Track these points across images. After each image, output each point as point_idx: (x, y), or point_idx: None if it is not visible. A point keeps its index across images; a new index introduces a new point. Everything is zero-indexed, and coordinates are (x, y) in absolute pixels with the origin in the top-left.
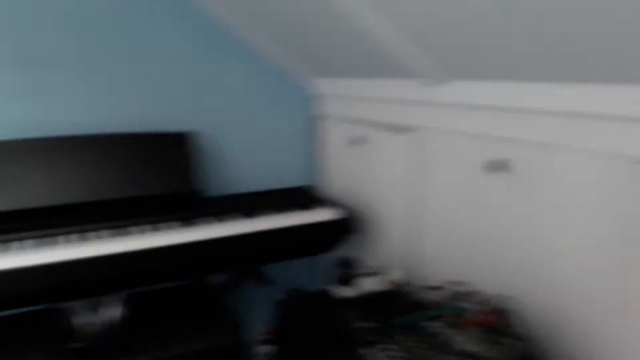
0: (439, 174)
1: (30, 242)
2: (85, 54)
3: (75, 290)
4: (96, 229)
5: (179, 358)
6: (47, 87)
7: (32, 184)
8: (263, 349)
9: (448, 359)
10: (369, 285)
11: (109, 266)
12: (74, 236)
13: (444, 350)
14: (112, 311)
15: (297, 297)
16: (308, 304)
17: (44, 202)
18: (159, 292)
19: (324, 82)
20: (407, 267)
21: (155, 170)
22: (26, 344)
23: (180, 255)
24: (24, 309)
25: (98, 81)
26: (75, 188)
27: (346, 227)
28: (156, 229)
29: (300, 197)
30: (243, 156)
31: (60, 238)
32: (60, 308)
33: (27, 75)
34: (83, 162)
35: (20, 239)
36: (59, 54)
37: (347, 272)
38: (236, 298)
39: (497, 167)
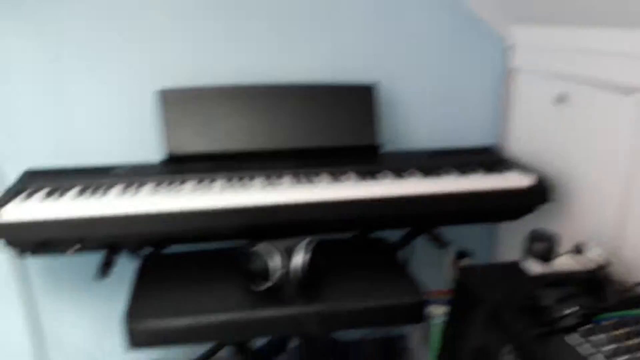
0: None
1: (224, 183)
2: (274, 3)
3: (260, 232)
4: (281, 176)
5: (354, 312)
6: (238, 35)
7: (225, 129)
8: (435, 310)
9: None
10: (565, 263)
11: (292, 213)
12: (261, 181)
13: None
14: (296, 256)
15: (481, 266)
16: (494, 274)
17: (236, 147)
18: (336, 242)
19: (521, 30)
20: (609, 248)
21: (339, 122)
22: (219, 277)
23: (359, 209)
24: (217, 246)
25: (284, 30)
26: (264, 135)
27: (538, 195)
28: (338, 181)
29: (486, 158)
30: (425, 110)
31: (251, 182)
32: (251, 249)
33: (218, 24)
34: (271, 110)
35: (215, 180)
36: (250, 2)
37: (541, 246)
38: (409, 256)
39: None
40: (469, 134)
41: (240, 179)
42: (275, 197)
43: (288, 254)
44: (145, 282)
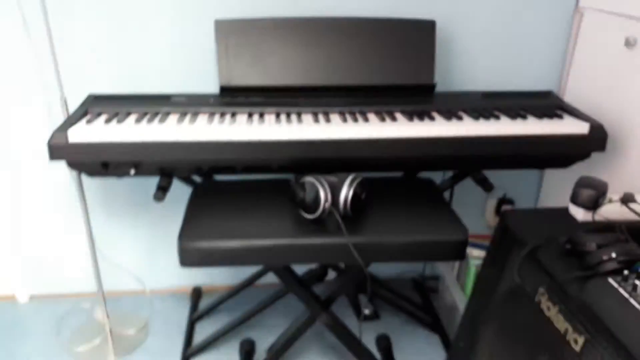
0: None
1: (272, 118)
2: None
3: (307, 166)
4: (331, 112)
5: (395, 245)
6: None
7: (278, 63)
8: (472, 252)
9: None
10: (612, 211)
11: (339, 149)
12: (310, 118)
13: None
14: (343, 190)
15: (524, 210)
16: (538, 219)
17: (287, 81)
18: (382, 180)
19: None
20: None
21: (395, 59)
22: (268, 205)
23: (407, 149)
24: (267, 177)
25: None
26: (316, 70)
27: (593, 143)
28: (387, 119)
29: (543, 102)
30: (482, 51)
31: (299, 118)
32: (301, 180)
33: None
34: (325, 45)
35: (264, 114)
36: None
37: (589, 193)
38: (452, 196)
39: None
40: (528, 78)
41: (289, 114)
42: (323, 133)
43: (335, 187)
44: (198, 206)
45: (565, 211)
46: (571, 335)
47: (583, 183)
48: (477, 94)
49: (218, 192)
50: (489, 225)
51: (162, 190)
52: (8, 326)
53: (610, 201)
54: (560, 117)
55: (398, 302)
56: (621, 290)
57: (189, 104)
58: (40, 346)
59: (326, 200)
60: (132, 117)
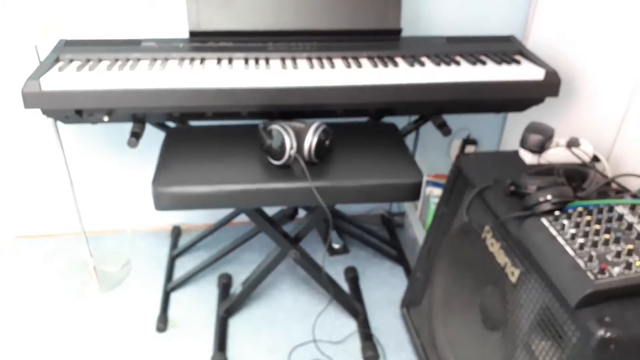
0: None
1: (241, 64)
2: None
3: (275, 112)
4: (298, 58)
5: (357, 188)
6: None
7: (246, 6)
8: (434, 191)
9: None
10: (556, 155)
11: (306, 96)
12: (278, 64)
13: (628, 237)
14: (307, 137)
15: (477, 154)
16: (490, 161)
17: (256, 26)
18: (347, 126)
19: None
20: (602, 145)
21: (362, 3)
22: (238, 151)
23: (372, 95)
24: (238, 122)
25: None
26: (284, 15)
27: (547, 89)
28: (353, 66)
29: (504, 48)
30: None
31: (267, 64)
32: (268, 128)
33: None
34: None
35: (233, 59)
36: None
37: (536, 138)
38: (414, 140)
39: None
40: (493, 23)
41: (257, 60)
42: (290, 81)
43: (300, 134)
44: (171, 152)
45: (515, 154)
46: (509, 269)
47: (531, 128)
48: (441, 39)
49: (190, 138)
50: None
51: (135, 137)
52: None
53: (557, 145)
54: (518, 62)
55: (366, 237)
56: (551, 229)
57: (159, 50)
58: (26, 284)
59: (291, 147)
60: (104, 64)
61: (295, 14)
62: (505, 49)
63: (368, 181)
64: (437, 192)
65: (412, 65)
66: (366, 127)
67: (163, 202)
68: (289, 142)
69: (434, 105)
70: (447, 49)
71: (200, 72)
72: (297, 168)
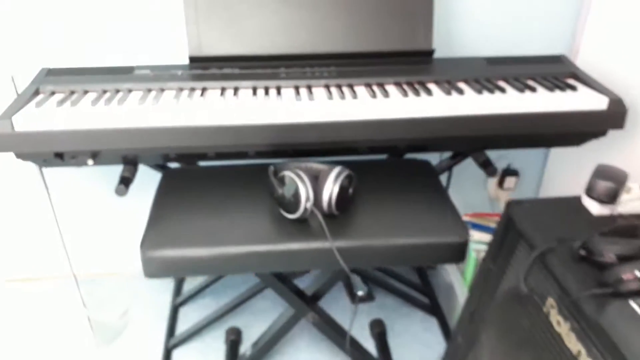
0: None
1: (248, 95)
2: None
3: (287, 151)
4: (314, 86)
5: (388, 249)
6: None
7: (254, 27)
8: (474, 235)
9: None
10: (630, 205)
11: (324, 132)
12: (290, 93)
13: None
14: (329, 186)
15: (532, 201)
16: (548, 210)
17: (265, 49)
18: (370, 164)
19: None
20: None
21: (387, 21)
22: (244, 199)
23: (402, 130)
24: (245, 162)
25: None
26: (298, 36)
27: (610, 120)
28: (384, 94)
29: (554, 70)
30: (483, 9)
31: (283, 92)
32: (280, 174)
33: None
34: (310, 5)
35: (239, 89)
36: None
37: (607, 185)
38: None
39: None
40: (536, 39)
41: (267, 89)
42: (306, 115)
43: (318, 183)
44: (165, 201)
45: (577, 202)
46: (585, 359)
47: (600, 174)
48: (480, 60)
49: (189, 182)
50: (491, 199)
51: (124, 183)
52: None
53: (629, 192)
54: (573, 88)
55: (393, 283)
56: None
57: (153, 79)
58: (15, 333)
59: (307, 199)
60: (89, 97)
61: (310, 35)
62: (556, 71)
63: (402, 240)
64: (478, 235)
65: (448, 93)
66: (394, 166)
67: (153, 269)
68: (305, 193)
69: (474, 140)
70: (487, 72)
71: (201, 106)
72: (315, 223)
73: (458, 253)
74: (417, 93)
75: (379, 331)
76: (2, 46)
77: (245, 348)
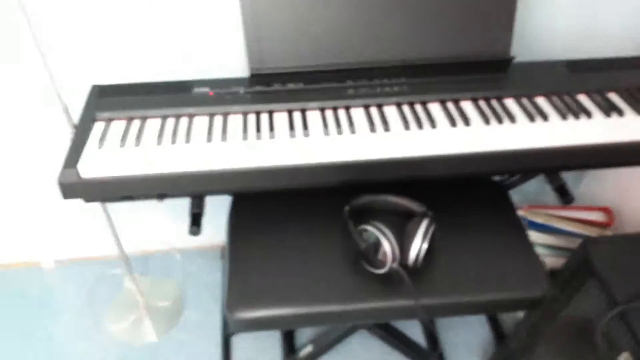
0: None
1: (320, 117)
2: None
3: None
4: (388, 104)
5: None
6: None
7: (318, 37)
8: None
9: None
10: None
11: (404, 168)
12: (363, 115)
13: None
14: (418, 243)
15: (617, 239)
16: (631, 249)
17: (332, 59)
18: (446, 191)
19: None
20: None
21: (460, 23)
22: (322, 243)
23: (486, 163)
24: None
25: None
26: (364, 45)
27: None
28: (463, 120)
29: (632, 81)
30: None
31: (354, 116)
32: (360, 227)
33: None
34: (376, 10)
35: (306, 110)
36: None
37: None
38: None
39: None
40: (619, 39)
41: (335, 110)
42: (380, 151)
43: (404, 239)
44: (242, 245)
45: None
46: None
47: None
48: (561, 65)
49: (261, 213)
50: None
51: (195, 222)
52: (36, 298)
53: None
54: None
55: None
56: None
57: (215, 100)
58: (72, 324)
59: (394, 259)
60: (151, 128)
61: (379, 42)
62: None
63: (484, 296)
64: (536, 236)
65: (531, 119)
66: (468, 191)
67: (240, 327)
68: (390, 252)
69: (555, 169)
70: (569, 82)
71: (271, 147)
72: (399, 278)
73: (537, 303)
74: (498, 118)
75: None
76: (51, 61)
77: (300, 340)
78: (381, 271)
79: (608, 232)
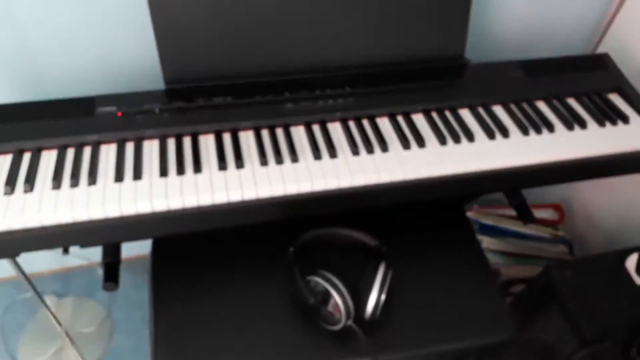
0: None
1: (254, 141)
2: None
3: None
4: (332, 120)
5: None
6: None
7: (248, 34)
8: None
9: None
10: None
11: (350, 200)
12: (305, 138)
13: None
14: (375, 295)
15: (579, 263)
16: (588, 274)
17: (267, 64)
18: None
19: None
20: None
21: (409, 18)
22: (261, 276)
23: (441, 189)
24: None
25: None
26: (304, 46)
27: None
28: (417, 139)
29: (594, 82)
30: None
31: (295, 138)
32: (306, 278)
33: None
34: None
35: (242, 129)
36: None
37: None
38: None
39: None
40: (565, 35)
41: (272, 129)
42: (326, 183)
43: (360, 289)
44: (167, 298)
45: (618, 264)
46: None
47: None
48: (515, 68)
49: (185, 259)
50: None
51: (111, 276)
52: None
53: None
54: (624, 119)
55: None
56: None
57: (126, 122)
58: None
59: (348, 316)
60: (47, 164)
61: (318, 42)
62: (599, 83)
63: (447, 346)
64: (488, 242)
65: (491, 136)
66: (424, 218)
67: None
68: (344, 307)
69: (514, 186)
70: (526, 88)
71: (196, 182)
72: (353, 334)
73: (505, 346)
74: (455, 137)
75: None
76: None
77: None
78: (334, 328)
79: (561, 233)
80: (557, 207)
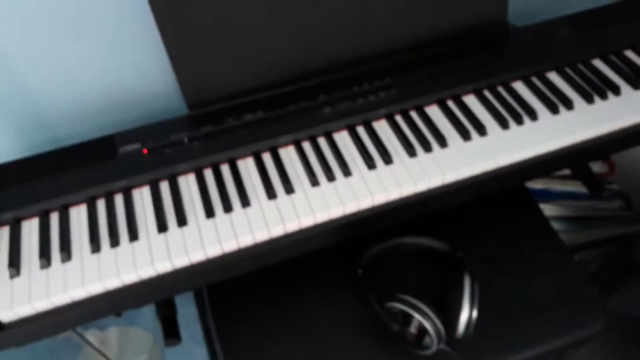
0: None
1: (300, 162)
2: None
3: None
4: (378, 118)
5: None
6: None
7: (269, 34)
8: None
9: None
10: None
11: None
12: (349, 142)
13: None
14: (465, 313)
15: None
16: None
17: (293, 65)
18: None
19: None
20: None
21: None
22: (330, 309)
23: (510, 178)
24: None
25: None
26: (332, 37)
27: None
28: (478, 130)
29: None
30: None
31: (341, 148)
32: (388, 305)
33: None
34: None
35: (281, 146)
36: None
37: None
38: None
39: None
40: None
41: (314, 140)
42: (383, 196)
43: (448, 309)
44: (231, 343)
45: None
46: None
47: None
48: (561, 24)
49: (245, 302)
50: None
51: (171, 327)
52: None
53: None
54: None
55: None
56: None
57: (153, 159)
58: None
59: (440, 340)
60: (79, 224)
61: (348, 32)
62: None
63: (542, 348)
64: (550, 209)
65: (554, 111)
66: (497, 212)
67: None
68: (434, 332)
69: (583, 161)
70: (578, 46)
71: (247, 216)
72: (448, 357)
73: (599, 334)
74: (516, 118)
75: None
76: None
77: None
78: (425, 353)
79: (614, 186)
80: (606, 159)
